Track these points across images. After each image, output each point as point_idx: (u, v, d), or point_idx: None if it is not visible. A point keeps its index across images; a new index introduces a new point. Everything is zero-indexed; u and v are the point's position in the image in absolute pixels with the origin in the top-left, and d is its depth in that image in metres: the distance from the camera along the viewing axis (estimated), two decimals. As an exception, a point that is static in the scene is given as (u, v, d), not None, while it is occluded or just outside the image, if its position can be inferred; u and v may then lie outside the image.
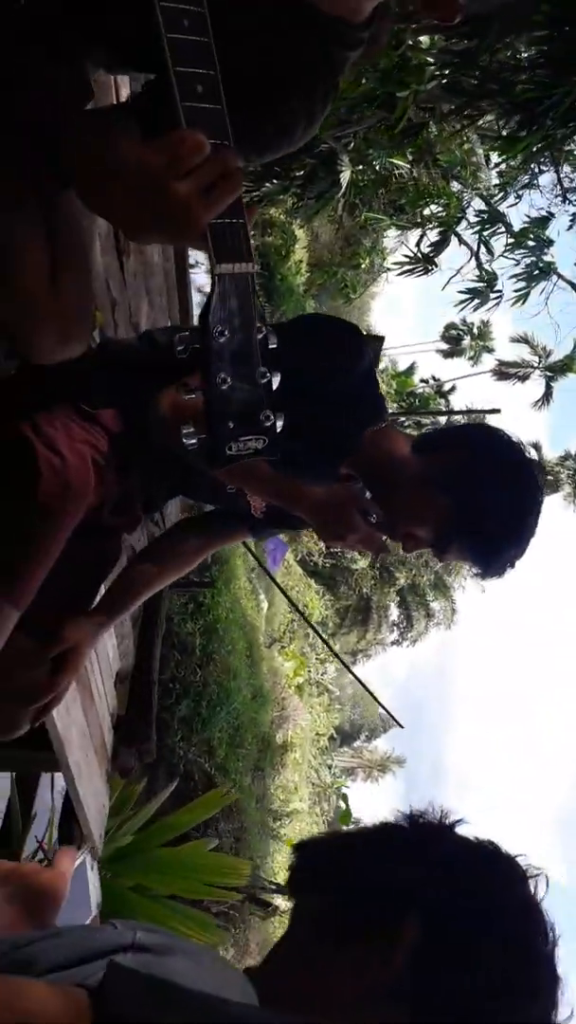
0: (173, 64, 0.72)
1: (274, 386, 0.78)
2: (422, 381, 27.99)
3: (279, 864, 14.68)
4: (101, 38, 1.21)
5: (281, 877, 14.40)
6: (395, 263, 11.56)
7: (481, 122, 6.22)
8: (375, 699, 7.82)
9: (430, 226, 9.92)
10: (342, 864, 0.71)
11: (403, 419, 24.90)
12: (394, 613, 27.51)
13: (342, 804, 15.72)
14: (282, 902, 10.36)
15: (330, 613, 24.84)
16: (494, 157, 9.53)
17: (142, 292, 2.90)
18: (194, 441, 0.76)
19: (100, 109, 1.30)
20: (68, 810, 2.53)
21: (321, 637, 8.54)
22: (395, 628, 28.83)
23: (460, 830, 0.72)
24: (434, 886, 0.65)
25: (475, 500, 1.30)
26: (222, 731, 9.77)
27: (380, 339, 5.59)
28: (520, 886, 0.67)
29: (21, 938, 0.64)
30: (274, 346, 0.77)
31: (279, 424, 0.78)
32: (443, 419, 20.28)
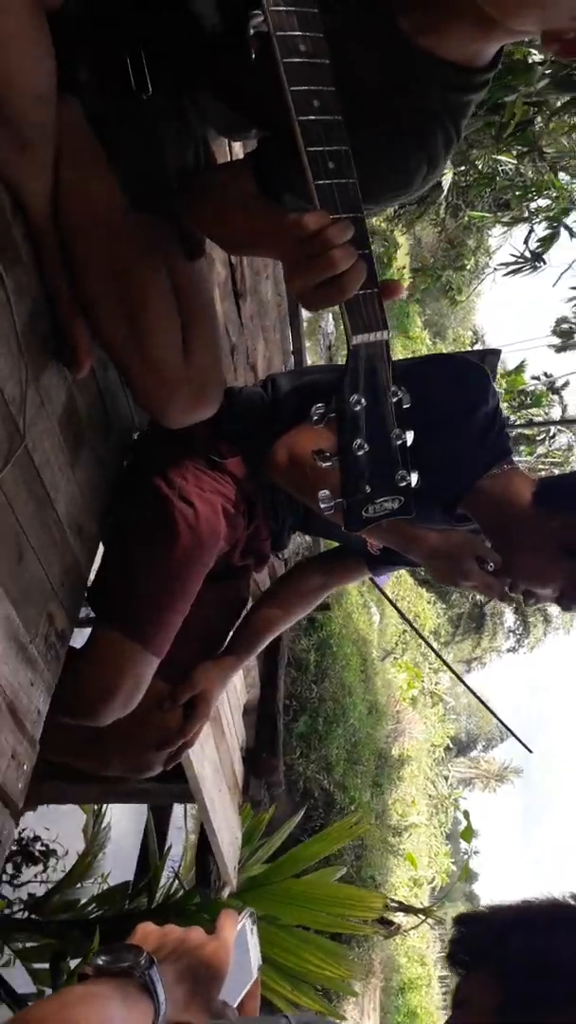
0: (305, 144, 0.72)
1: (408, 444, 0.78)
2: (533, 378, 27.18)
3: (399, 880, 14.48)
4: (224, 99, 1.21)
5: (400, 894, 14.18)
6: (501, 263, 11.27)
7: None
8: (495, 715, 7.59)
9: (537, 220, 9.60)
10: (508, 943, 0.67)
11: (514, 419, 24.27)
12: (510, 619, 26.75)
13: (461, 818, 15.32)
14: (403, 919, 10.19)
15: (443, 622, 24.41)
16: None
17: (258, 332, 2.92)
18: (331, 505, 0.76)
19: (217, 167, 1.30)
20: (203, 841, 2.55)
21: (434, 650, 8.38)
22: (511, 635, 28.09)
23: None
24: None
25: None
26: (339, 747, 9.72)
27: (496, 352, 5.41)
28: None
29: None
30: (408, 406, 0.77)
31: (414, 481, 0.78)
32: (554, 427, 19.62)
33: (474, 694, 7.17)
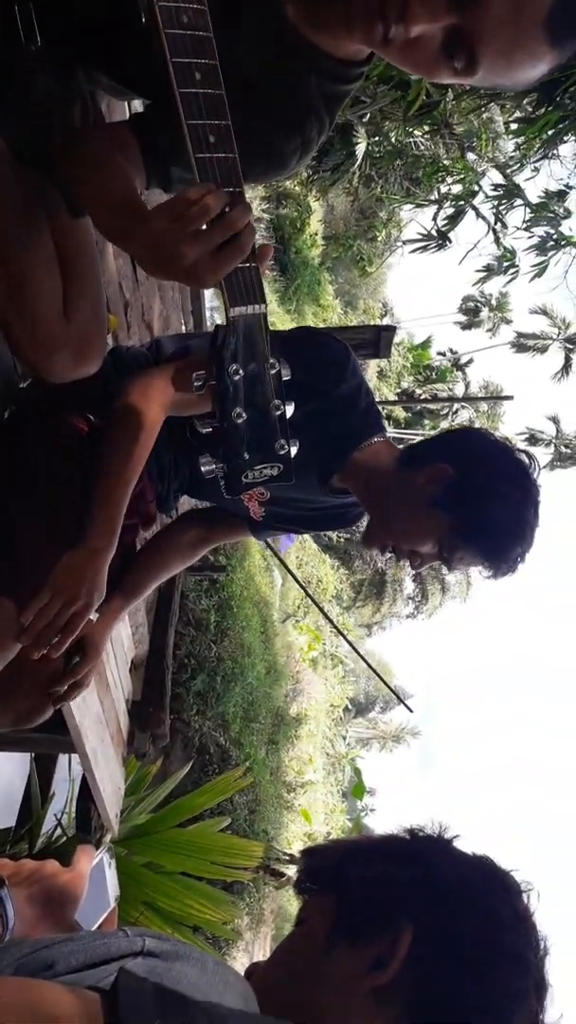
0: (186, 118, 0.74)
1: (288, 416, 0.82)
2: (439, 354, 27.74)
3: (293, 834, 14.92)
4: (106, 69, 1.22)
5: (295, 848, 14.64)
6: (409, 239, 11.44)
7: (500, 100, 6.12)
8: (384, 682, 7.89)
9: (447, 203, 9.78)
10: (344, 870, 0.75)
11: (419, 392, 24.78)
12: (409, 587, 27.55)
13: (355, 777, 15.89)
14: (295, 872, 10.53)
15: (345, 587, 24.92)
16: (514, 126, 9.34)
17: (154, 291, 2.91)
18: (211, 468, 0.81)
19: (100, 128, 1.32)
20: (85, 789, 2.60)
21: (327, 617, 8.60)
22: (410, 601, 28.93)
23: (458, 844, 0.75)
24: (431, 896, 0.69)
25: (476, 513, 1.30)
26: (236, 706, 9.89)
27: (392, 329, 5.57)
28: (513, 898, 0.70)
29: (41, 941, 0.69)
30: (287, 377, 0.81)
31: (293, 450, 0.82)
32: (456, 404, 20.14)
33: (358, 653, 7.43)
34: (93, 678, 2.13)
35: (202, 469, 0.80)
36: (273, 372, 0.80)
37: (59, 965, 0.60)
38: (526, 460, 1.36)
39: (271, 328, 0.82)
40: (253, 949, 10.12)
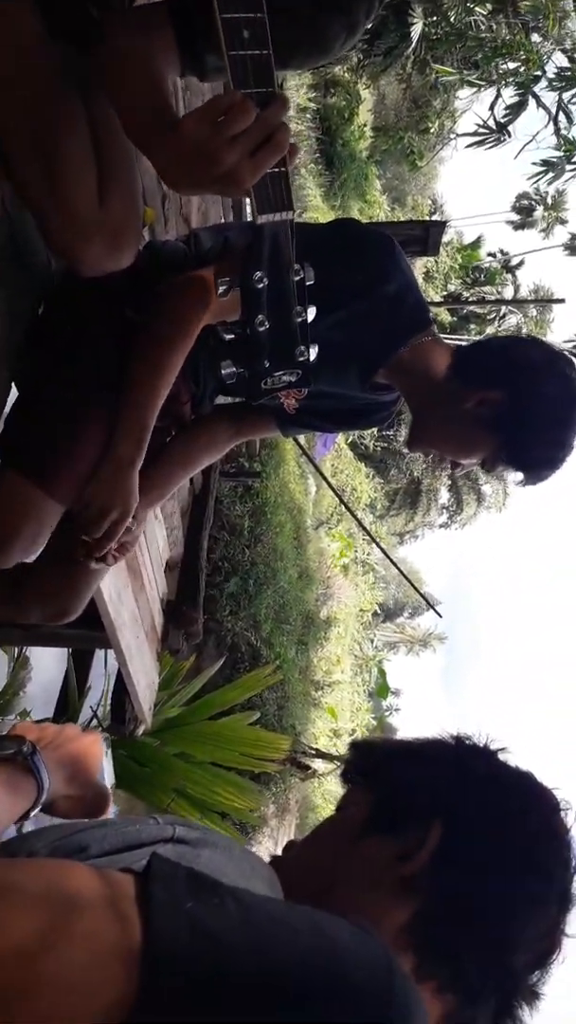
0: (220, 11, 0.70)
1: (309, 320, 0.81)
2: (489, 255, 26.68)
3: (319, 730, 15.49)
4: None
5: (321, 743, 15.22)
6: (465, 133, 10.80)
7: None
8: (414, 587, 7.96)
9: (505, 84, 9.15)
10: (388, 766, 0.77)
11: (467, 295, 23.97)
12: (444, 496, 27.49)
13: (380, 678, 16.30)
14: (321, 765, 10.98)
15: (379, 496, 24.93)
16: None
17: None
18: (231, 372, 0.81)
19: (138, 9, 1.23)
20: (120, 684, 2.69)
21: (360, 523, 8.64)
22: (444, 511, 28.92)
23: (502, 756, 0.76)
24: (465, 797, 0.70)
25: (524, 444, 1.31)
26: (268, 608, 10.10)
27: (441, 225, 5.32)
28: (549, 813, 0.71)
29: (76, 825, 0.71)
30: (311, 283, 0.80)
31: (312, 355, 0.82)
32: (504, 308, 19.44)
33: (389, 558, 7.48)
34: (126, 575, 2.16)
35: (222, 373, 0.81)
36: (297, 279, 0.79)
37: (92, 848, 0.62)
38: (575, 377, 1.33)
39: (314, 222, 0.79)
40: (278, 835, 10.68)
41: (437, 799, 0.70)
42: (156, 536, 2.69)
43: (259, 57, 0.71)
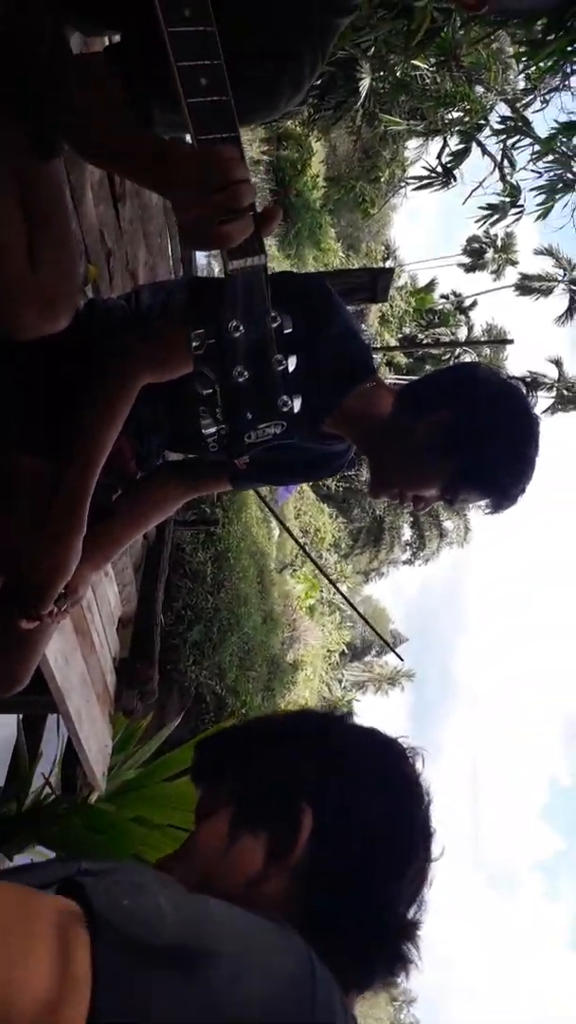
0: (176, 59, 0.67)
1: (290, 370, 0.78)
2: (442, 297, 27.29)
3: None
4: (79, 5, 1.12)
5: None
6: (413, 177, 11.10)
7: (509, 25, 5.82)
8: (374, 629, 7.92)
9: (451, 133, 9.44)
10: (241, 757, 0.76)
11: (422, 337, 24.43)
12: (407, 533, 27.68)
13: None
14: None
15: (343, 535, 25.00)
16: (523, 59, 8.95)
17: (139, 238, 2.78)
18: (212, 431, 0.76)
19: (84, 61, 1.21)
20: (72, 749, 2.59)
21: (320, 568, 8.61)
22: (408, 548, 29.08)
23: (348, 720, 0.79)
24: (324, 771, 0.72)
25: (478, 458, 1.26)
26: (233, 655, 9.96)
27: (389, 272, 5.40)
28: (401, 762, 0.74)
29: None
30: (289, 331, 0.77)
31: (296, 406, 0.79)
32: (458, 349, 19.85)
33: (349, 603, 7.43)
34: (75, 638, 2.08)
35: (203, 432, 0.77)
36: (275, 325, 0.76)
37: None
38: (522, 390, 1.31)
39: None
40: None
41: (295, 780, 0.70)
42: (107, 594, 2.61)
43: (220, 103, 0.69)
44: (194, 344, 0.73)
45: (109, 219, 2.34)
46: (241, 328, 0.73)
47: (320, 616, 20.59)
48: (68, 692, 2.14)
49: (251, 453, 0.79)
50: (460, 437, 1.26)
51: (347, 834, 0.68)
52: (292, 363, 0.78)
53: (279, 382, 0.77)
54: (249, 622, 10.69)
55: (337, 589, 8.23)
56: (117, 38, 1.19)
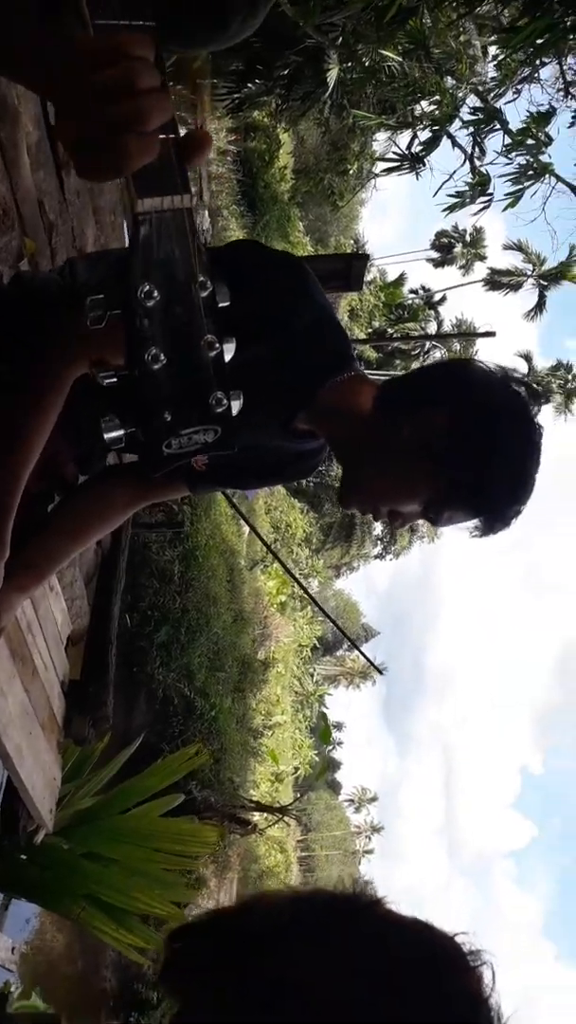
0: None
1: (227, 357, 0.56)
2: (411, 292, 27.24)
3: (261, 775, 15.05)
4: None
5: (263, 790, 14.77)
6: (382, 162, 10.96)
7: (480, 9, 5.65)
8: (342, 631, 7.77)
9: (421, 126, 9.29)
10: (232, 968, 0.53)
11: (392, 332, 24.36)
12: (378, 528, 27.78)
13: (322, 723, 16.04)
14: (260, 820, 10.59)
15: (314, 530, 24.91)
16: (492, 50, 8.85)
17: (88, 212, 2.54)
18: (118, 434, 0.56)
19: None
20: (11, 785, 2.36)
21: (286, 569, 8.42)
22: (379, 542, 29.15)
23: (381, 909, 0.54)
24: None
25: (474, 473, 1.06)
26: (202, 656, 9.75)
27: (365, 257, 5.20)
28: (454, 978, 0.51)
29: None
30: (225, 303, 0.55)
31: (235, 406, 0.57)
32: (428, 343, 19.83)
33: (325, 614, 7.28)
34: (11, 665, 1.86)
35: (105, 437, 0.56)
36: (204, 294, 0.54)
37: None
38: (525, 395, 1.11)
39: (211, 245, 0.54)
40: (219, 896, 10.21)
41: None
42: (52, 611, 2.39)
43: None
44: (92, 315, 0.52)
45: (51, 188, 2.11)
46: (156, 295, 0.52)
47: (292, 612, 20.47)
48: (4, 727, 1.93)
49: (172, 467, 0.58)
50: (454, 444, 1.06)
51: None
52: (229, 349, 0.57)
53: (210, 371, 0.55)
54: (219, 622, 10.48)
55: (305, 591, 8.08)
56: None
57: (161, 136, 0.51)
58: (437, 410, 1.09)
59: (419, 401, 1.11)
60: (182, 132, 0.53)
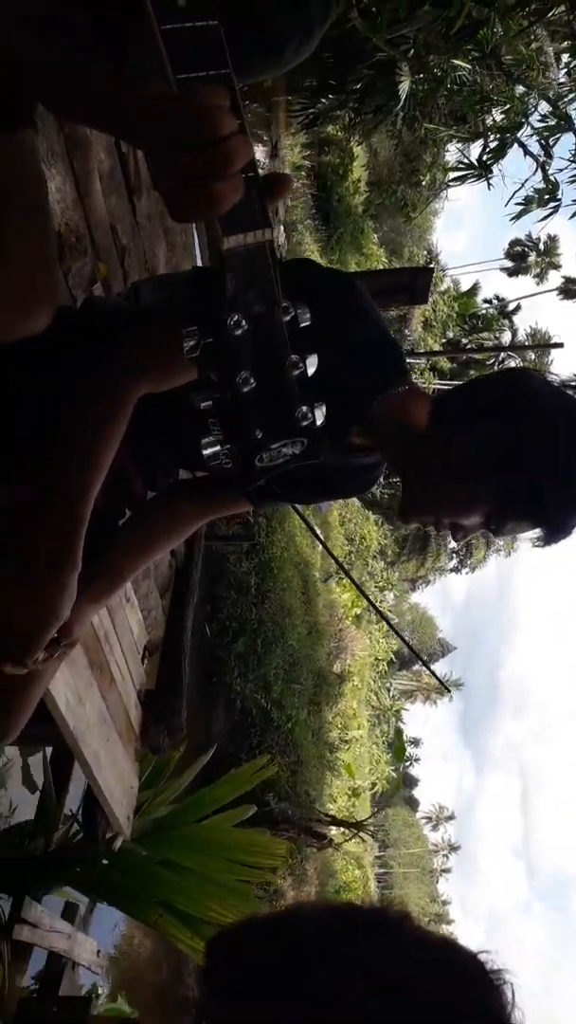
0: None
1: (310, 373, 0.62)
2: (485, 302, 26.87)
3: (337, 790, 14.96)
4: None
5: (339, 804, 14.67)
6: (452, 168, 10.90)
7: (551, 15, 5.56)
8: (411, 648, 7.67)
9: (492, 136, 9.22)
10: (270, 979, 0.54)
11: (465, 342, 24.06)
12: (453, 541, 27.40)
13: (397, 740, 15.86)
14: (337, 835, 10.52)
15: (389, 543, 24.70)
16: (565, 57, 8.71)
17: (159, 234, 2.62)
18: (215, 452, 0.61)
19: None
20: (91, 792, 2.43)
21: (355, 583, 8.36)
22: (454, 555, 28.70)
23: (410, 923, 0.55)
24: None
25: (533, 484, 1.06)
26: (278, 668, 9.80)
27: (429, 271, 5.18)
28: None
29: None
30: (307, 323, 0.61)
31: (319, 418, 0.63)
32: (503, 354, 19.50)
33: (395, 631, 7.21)
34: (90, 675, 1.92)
35: (204, 454, 0.62)
36: (288, 318, 0.59)
37: None
38: None
39: None
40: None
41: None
42: (128, 622, 2.45)
43: (204, 30, 0.52)
44: (187, 344, 0.57)
45: (123, 213, 2.18)
46: (244, 324, 0.57)
47: (367, 624, 20.32)
48: (82, 734, 1.99)
49: (266, 478, 0.63)
50: (513, 456, 1.07)
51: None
52: (312, 364, 0.62)
53: (295, 390, 0.61)
54: (294, 634, 10.52)
55: (376, 608, 8.01)
56: None
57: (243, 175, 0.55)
58: (491, 422, 1.09)
59: (475, 413, 1.12)
60: (258, 150, 0.56)
